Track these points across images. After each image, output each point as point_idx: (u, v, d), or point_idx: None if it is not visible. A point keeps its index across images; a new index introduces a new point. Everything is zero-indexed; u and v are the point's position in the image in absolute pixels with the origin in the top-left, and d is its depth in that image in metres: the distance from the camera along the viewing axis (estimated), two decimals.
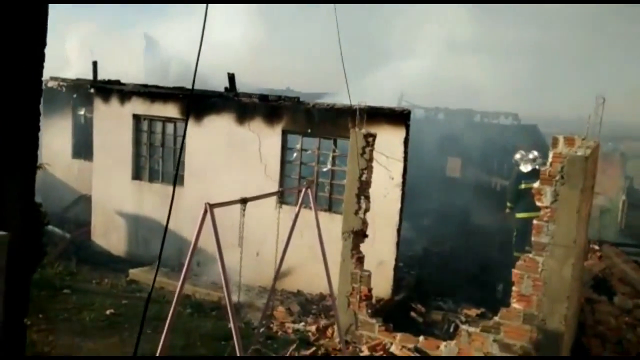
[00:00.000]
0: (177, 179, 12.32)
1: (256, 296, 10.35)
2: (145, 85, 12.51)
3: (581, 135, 7.38)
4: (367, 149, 7.81)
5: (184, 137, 4.15)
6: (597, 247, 12.77)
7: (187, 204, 11.99)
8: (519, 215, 10.37)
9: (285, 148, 11.01)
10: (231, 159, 11.35)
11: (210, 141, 11.79)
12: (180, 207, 12.16)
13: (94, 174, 13.21)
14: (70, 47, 22.41)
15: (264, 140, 11.06)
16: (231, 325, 5.05)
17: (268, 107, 11.02)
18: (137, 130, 12.61)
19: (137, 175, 12.73)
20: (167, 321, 5.12)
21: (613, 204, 21.71)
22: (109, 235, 13.11)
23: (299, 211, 6.86)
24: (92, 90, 13.21)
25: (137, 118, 12.55)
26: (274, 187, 10.53)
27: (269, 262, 8.52)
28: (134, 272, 11.40)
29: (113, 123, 12.73)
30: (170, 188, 12.28)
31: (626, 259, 12.46)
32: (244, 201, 5.50)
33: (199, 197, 11.78)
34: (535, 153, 11.03)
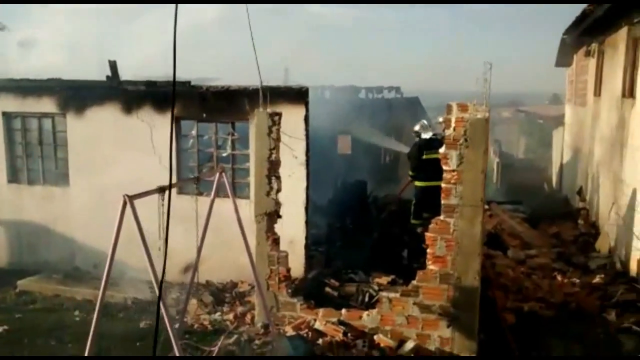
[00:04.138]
0: (61, 180, 11.43)
1: (163, 292, 9.88)
2: (14, 80, 11.32)
3: (472, 101, 7.78)
4: (274, 128, 7.65)
5: (171, 136, 3.71)
6: (486, 206, 13.62)
7: (76, 205, 11.17)
8: (419, 183, 10.73)
9: (179, 136, 10.55)
10: (121, 152, 10.65)
11: (95, 135, 11.00)
12: (67, 209, 11.29)
13: None
14: None
15: (156, 130, 10.51)
16: (166, 323, 4.76)
17: (157, 94, 10.45)
18: (8, 129, 11.46)
19: (13, 178, 11.60)
20: (92, 329, 4.72)
21: (488, 166, 23.36)
22: None
23: (213, 199, 6.60)
24: None
25: (7, 116, 11.40)
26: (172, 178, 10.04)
27: (173, 256, 8.12)
28: (24, 283, 10.43)
29: None
30: (55, 189, 11.39)
31: (511, 214, 13.45)
32: (161, 190, 5.17)
33: (89, 196, 11.06)
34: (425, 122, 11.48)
